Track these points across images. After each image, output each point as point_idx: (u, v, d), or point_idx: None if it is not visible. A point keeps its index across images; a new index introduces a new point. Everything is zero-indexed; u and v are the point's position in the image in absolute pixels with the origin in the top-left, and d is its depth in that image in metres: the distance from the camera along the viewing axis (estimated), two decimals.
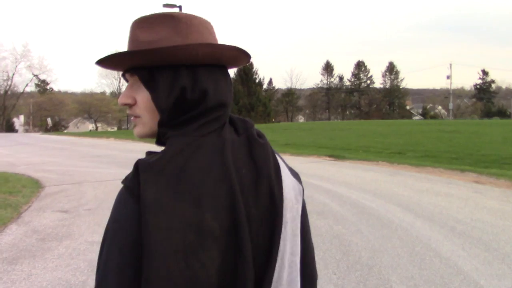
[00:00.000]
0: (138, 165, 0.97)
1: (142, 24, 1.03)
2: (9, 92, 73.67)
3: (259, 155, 1.04)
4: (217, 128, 1.03)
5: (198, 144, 0.99)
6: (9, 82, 72.38)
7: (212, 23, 1.09)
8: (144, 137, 1.09)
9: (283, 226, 1.03)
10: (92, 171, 13.09)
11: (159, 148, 1.04)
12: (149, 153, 1.02)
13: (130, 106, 1.06)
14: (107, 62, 1.03)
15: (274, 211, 1.02)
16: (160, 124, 1.04)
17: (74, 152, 20.85)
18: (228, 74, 1.09)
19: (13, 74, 72.40)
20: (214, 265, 0.94)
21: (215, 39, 1.07)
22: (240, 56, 1.07)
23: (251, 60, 1.13)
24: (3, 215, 7.32)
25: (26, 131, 74.08)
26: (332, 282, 4.47)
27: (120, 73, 1.10)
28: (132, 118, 1.09)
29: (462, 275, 4.68)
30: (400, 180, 10.88)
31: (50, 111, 72.54)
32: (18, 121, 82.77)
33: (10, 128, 75.18)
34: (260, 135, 1.09)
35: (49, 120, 70.93)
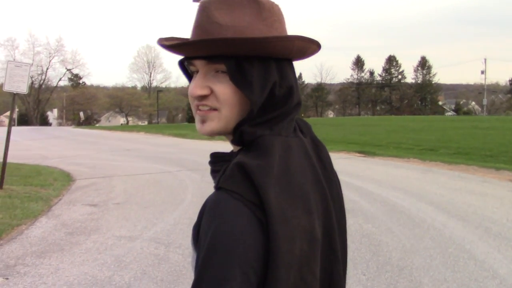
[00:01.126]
0: (246, 167, 0.86)
1: (221, 5, 0.92)
2: (43, 86, 75.24)
3: (326, 157, 1.03)
4: (294, 128, 0.99)
5: (289, 145, 0.93)
6: (43, 76, 73.98)
7: None
8: (215, 134, 0.97)
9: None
10: (122, 165, 13.21)
11: (224, 148, 0.95)
12: (226, 154, 0.96)
13: (204, 97, 0.94)
14: (186, 47, 0.91)
15: (342, 215, 1.02)
16: (244, 121, 0.93)
17: (105, 145, 21.12)
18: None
19: (47, 69, 73.94)
20: (319, 274, 0.91)
21: (286, 28, 1.00)
22: (315, 50, 1.01)
23: None
24: (34, 208, 7.42)
25: (60, 124, 75.67)
26: (361, 283, 4.35)
27: (178, 60, 0.98)
28: (199, 112, 0.96)
29: (498, 278, 4.49)
30: (432, 178, 10.61)
31: (82, 105, 73.90)
32: (52, 115, 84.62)
33: (44, 122, 76.87)
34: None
35: (81, 114, 72.32)
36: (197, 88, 0.93)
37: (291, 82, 0.95)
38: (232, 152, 0.98)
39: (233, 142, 0.97)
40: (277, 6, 0.97)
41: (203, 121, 0.96)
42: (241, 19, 0.91)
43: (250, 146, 0.91)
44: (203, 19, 0.93)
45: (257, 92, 0.91)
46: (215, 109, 0.94)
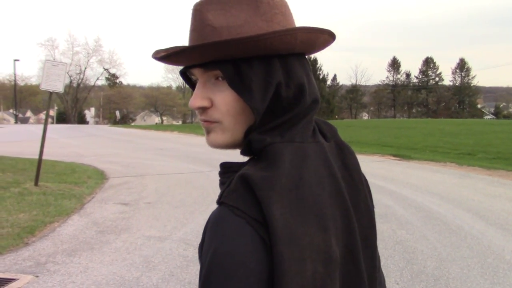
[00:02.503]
0: (249, 180, 0.77)
1: (215, 6, 0.84)
2: (81, 85, 76.81)
3: (353, 164, 0.90)
4: (313, 131, 0.88)
5: (304, 153, 0.83)
6: (81, 76, 75.46)
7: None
8: (222, 147, 0.88)
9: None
10: (155, 164, 13.30)
11: (239, 159, 0.86)
12: (235, 164, 0.85)
13: (205, 109, 0.87)
14: (176, 57, 0.84)
15: (372, 229, 0.90)
16: (252, 128, 0.84)
17: (139, 144, 21.36)
18: (308, 62, 0.90)
19: (85, 68, 75.41)
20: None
21: (294, 20, 0.89)
22: (328, 40, 0.89)
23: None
24: (67, 205, 7.50)
25: (96, 123, 77.24)
26: None
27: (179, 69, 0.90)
28: (204, 123, 0.89)
29: None
30: (470, 184, 10.27)
31: (118, 104, 75.15)
32: (89, 113, 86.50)
33: (82, 120, 78.55)
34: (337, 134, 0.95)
35: (117, 113, 73.49)
36: (196, 99, 0.86)
37: (301, 79, 0.84)
38: (243, 162, 0.87)
39: (242, 152, 0.87)
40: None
41: (208, 132, 0.89)
42: (237, 18, 0.82)
43: (260, 156, 0.82)
44: (197, 23, 0.85)
45: (258, 96, 0.81)
46: (217, 121, 0.86)
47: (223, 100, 0.84)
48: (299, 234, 0.75)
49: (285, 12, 0.87)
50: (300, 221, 0.76)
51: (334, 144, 0.90)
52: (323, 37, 0.87)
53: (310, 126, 0.87)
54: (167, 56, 0.85)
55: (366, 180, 0.95)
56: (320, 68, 67.79)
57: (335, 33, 0.88)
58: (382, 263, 4.69)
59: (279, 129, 0.84)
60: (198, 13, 0.84)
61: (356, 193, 0.88)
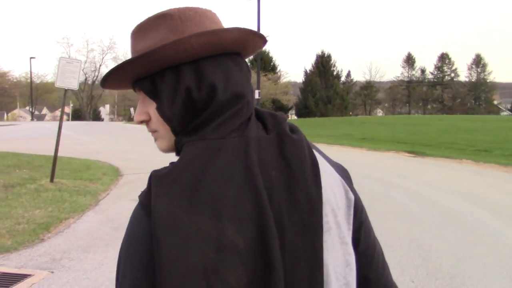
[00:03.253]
0: (150, 178, 0.86)
1: (137, 34, 0.94)
2: (96, 82, 77.39)
3: (292, 153, 0.90)
4: (239, 125, 0.90)
5: (217, 148, 0.87)
6: (96, 73, 75.97)
7: (213, 11, 0.97)
8: (166, 152, 1.00)
9: (327, 233, 0.89)
10: (169, 160, 13.27)
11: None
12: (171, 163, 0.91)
13: (146, 122, 0.98)
14: (107, 83, 0.97)
15: (313, 217, 0.88)
16: (175, 133, 0.94)
17: (153, 141, 21.44)
18: (243, 62, 0.96)
19: (100, 65, 75.97)
20: (241, 283, 0.81)
21: (219, 27, 0.94)
22: (248, 39, 0.93)
23: (267, 42, 1.00)
24: (82, 202, 7.56)
25: (111, 120, 77.84)
26: None
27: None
28: (151, 134, 1.00)
29: None
30: (486, 181, 10.15)
31: (133, 101, 75.59)
32: (104, 110, 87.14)
33: (97, 117, 79.24)
34: (293, 130, 0.95)
35: (132, 110, 73.96)
36: (137, 115, 0.97)
37: (212, 80, 0.89)
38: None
39: (176, 154, 0.97)
40: (193, 10, 0.93)
41: (155, 141, 1.01)
42: (153, 39, 0.91)
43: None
44: (130, 50, 0.96)
45: (166, 104, 0.90)
46: (155, 131, 0.98)
47: (153, 112, 0.94)
48: (185, 222, 0.79)
49: (201, 21, 0.92)
50: (189, 211, 0.80)
51: (274, 135, 0.91)
52: (233, 36, 0.90)
53: (235, 121, 0.90)
54: (102, 83, 0.97)
55: (332, 167, 0.98)
56: (334, 64, 67.34)
57: (238, 29, 0.90)
58: (396, 261, 4.66)
59: (195, 129, 0.90)
60: (130, 41, 0.96)
61: (291, 181, 0.88)
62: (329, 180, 0.94)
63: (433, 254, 5.16)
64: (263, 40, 0.96)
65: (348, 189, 0.97)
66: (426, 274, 4.58)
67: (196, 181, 0.82)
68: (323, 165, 0.95)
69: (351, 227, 0.96)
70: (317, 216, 0.88)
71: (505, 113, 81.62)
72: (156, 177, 0.85)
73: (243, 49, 0.95)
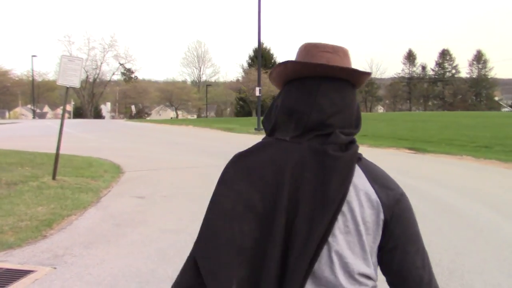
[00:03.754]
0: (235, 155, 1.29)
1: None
2: (97, 80, 77.38)
3: (330, 165, 1.18)
4: (293, 133, 1.24)
5: (273, 144, 1.25)
6: (97, 71, 75.97)
7: (344, 48, 1.30)
8: None
9: (348, 234, 1.15)
10: (170, 158, 13.39)
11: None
12: None
13: None
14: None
15: (322, 213, 1.13)
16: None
17: (155, 138, 21.51)
18: (313, 85, 1.26)
19: (101, 63, 75.90)
20: (251, 235, 1.16)
21: (316, 57, 1.26)
22: (331, 70, 1.24)
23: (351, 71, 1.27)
24: (84, 199, 7.60)
25: (112, 117, 77.83)
26: None
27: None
28: None
29: None
30: (486, 177, 10.18)
31: (134, 99, 75.63)
32: (105, 108, 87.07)
33: (98, 115, 79.23)
34: (347, 149, 1.21)
35: (133, 107, 74.02)
36: None
37: (282, 103, 1.29)
38: None
39: None
40: (313, 44, 1.29)
41: None
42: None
43: None
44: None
45: (265, 115, 1.35)
46: None
47: None
48: (232, 182, 1.22)
49: (308, 52, 1.28)
50: (237, 177, 1.23)
51: (324, 148, 1.20)
52: (316, 70, 1.24)
53: (288, 133, 1.25)
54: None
55: (374, 189, 1.20)
56: None
57: (323, 65, 1.24)
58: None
59: (271, 132, 1.30)
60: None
61: (318, 184, 1.16)
62: (362, 197, 1.18)
63: (432, 249, 5.19)
64: (343, 71, 1.24)
65: (382, 211, 1.18)
66: None
67: (250, 161, 1.24)
68: (360, 184, 1.19)
69: (377, 242, 1.19)
70: (324, 215, 1.13)
71: (506, 109, 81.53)
72: (237, 153, 1.29)
73: (306, 75, 1.27)
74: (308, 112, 1.23)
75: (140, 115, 75.93)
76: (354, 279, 1.16)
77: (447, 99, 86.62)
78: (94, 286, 4.12)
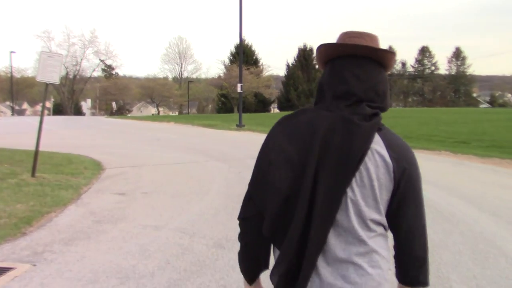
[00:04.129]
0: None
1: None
2: (77, 77, 76.40)
3: (354, 131, 1.48)
4: (329, 104, 1.58)
5: (314, 112, 1.58)
6: (77, 67, 74.97)
7: (371, 34, 1.61)
8: None
9: (362, 187, 1.48)
10: (151, 154, 13.34)
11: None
12: None
13: None
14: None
15: (343, 169, 1.46)
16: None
17: (136, 135, 21.39)
18: (368, 62, 1.58)
19: (81, 60, 74.94)
20: (286, 180, 1.50)
21: (360, 43, 1.57)
22: (350, 49, 1.58)
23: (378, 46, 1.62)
24: (64, 196, 7.55)
25: (93, 114, 77.03)
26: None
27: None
28: None
29: None
30: (463, 171, 10.37)
31: (115, 95, 74.88)
32: (86, 105, 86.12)
33: (78, 111, 78.33)
34: (371, 118, 1.53)
35: (114, 104, 73.39)
36: None
37: (321, 80, 1.65)
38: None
39: None
40: (340, 34, 1.64)
41: None
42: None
43: None
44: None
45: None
46: None
47: None
48: (276, 138, 1.57)
49: (340, 38, 1.62)
50: (280, 134, 1.57)
51: (352, 117, 1.51)
52: (337, 50, 1.59)
53: (324, 105, 1.59)
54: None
55: (385, 153, 1.52)
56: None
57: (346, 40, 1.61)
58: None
59: (315, 103, 1.65)
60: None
61: (344, 145, 1.48)
62: (378, 159, 1.50)
63: None
64: (333, 46, 1.62)
65: (391, 170, 1.50)
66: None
67: (292, 122, 1.58)
68: (378, 148, 1.51)
69: (389, 194, 1.53)
70: (347, 171, 1.46)
71: (484, 105, 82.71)
72: (282, 117, 1.62)
73: (336, 55, 1.62)
74: (335, 84, 1.57)
75: (121, 111, 75.26)
76: (366, 224, 1.49)
77: (427, 95, 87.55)
78: (74, 282, 4.11)
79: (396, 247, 1.62)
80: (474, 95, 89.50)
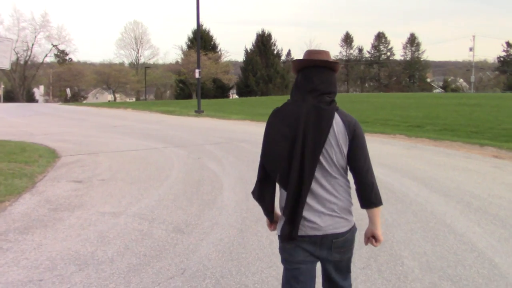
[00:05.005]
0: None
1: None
2: (29, 63, 74.06)
3: (322, 114, 2.34)
4: (303, 97, 2.40)
5: (292, 103, 2.41)
6: (28, 53, 72.71)
7: (326, 51, 2.50)
8: None
9: (329, 147, 2.35)
10: (108, 142, 13.14)
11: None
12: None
13: None
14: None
15: (320, 137, 2.32)
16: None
17: (92, 122, 20.97)
18: (324, 70, 2.45)
19: (33, 45, 72.66)
20: (285, 149, 2.32)
21: (318, 57, 2.44)
22: (313, 62, 2.44)
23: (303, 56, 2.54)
24: (18, 184, 7.37)
25: (46, 101, 74.80)
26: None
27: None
28: None
29: (477, 252, 4.57)
30: (416, 154, 10.70)
31: (69, 82, 72.88)
32: (38, 91, 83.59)
33: (31, 98, 75.95)
34: (330, 104, 2.40)
35: (68, 91, 71.42)
36: None
37: (296, 82, 2.48)
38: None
39: None
40: (305, 52, 2.50)
41: None
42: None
43: None
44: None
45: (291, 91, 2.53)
46: None
47: None
48: (274, 123, 2.40)
49: (306, 54, 2.47)
50: (276, 120, 2.39)
51: (319, 104, 2.36)
52: (304, 63, 2.45)
53: (298, 97, 2.41)
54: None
55: (341, 125, 2.39)
56: (274, 43, 67.64)
57: (313, 58, 2.46)
58: None
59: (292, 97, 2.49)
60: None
61: (316, 122, 2.32)
62: (338, 128, 2.35)
63: (365, 223, 5.44)
64: (303, 61, 2.46)
65: (346, 133, 2.36)
66: (357, 241, 4.82)
67: (281, 112, 2.40)
68: (337, 120, 2.36)
69: (347, 147, 2.37)
70: (321, 137, 2.31)
71: (437, 90, 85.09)
72: (274, 109, 2.44)
73: (305, 66, 2.47)
74: (306, 84, 2.41)
75: (76, 98, 73.41)
76: (334, 165, 2.37)
77: (383, 80, 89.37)
78: (32, 270, 4.06)
79: (355, 179, 2.45)
80: (428, 80, 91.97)
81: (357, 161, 2.39)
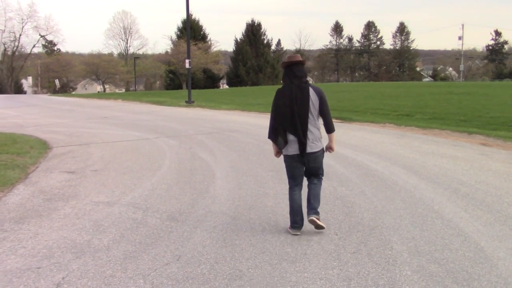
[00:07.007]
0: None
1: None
2: (16, 53, 73.36)
3: (303, 90, 4.77)
4: (291, 81, 4.81)
5: (288, 85, 4.83)
6: (16, 43, 72.02)
7: (299, 55, 5.16)
8: None
9: (309, 105, 4.76)
10: (99, 132, 13.16)
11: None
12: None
13: None
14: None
15: (305, 105, 4.74)
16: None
17: (82, 113, 20.93)
18: (299, 65, 4.89)
19: (20, 35, 71.92)
20: (287, 112, 4.77)
21: (296, 58, 4.93)
22: (294, 61, 4.90)
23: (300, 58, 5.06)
24: (11, 175, 7.40)
25: (35, 92, 74.17)
26: (333, 243, 4.52)
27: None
28: None
29: (463, 236, 4.71)
30: (406, 142, 10.85)
31: (58, 73, 72.28)
32: (27, 83, 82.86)
33: (19, 90, 75.27)
34: (307, 83, 4.87)
35: (57, 82, 70.86)
36: None
37: (284, 73, 4.93)
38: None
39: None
40: (287, 56, 5.34)
41: None
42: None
43: None
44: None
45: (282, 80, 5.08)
46: None
47: None
48: (278, 98, 4.90)
49: (288, 57, 5.00)
50: (279, 96, 4.89)
51: (301, 84, 4.80)
52: (288, 62, 4.94)
53: (291, 80, 4.82)
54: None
55: (314, 93, 4.84)
56: (264, 33, 67.51)
57: (294, 60, 4.97)
58: (322, 217, 5.02)
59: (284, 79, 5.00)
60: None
61: (301, 96, 4.75)
62: (312, 97, 4.77)
63: (355, 210, 5.59)
64: (290, 60, 4.93)
65: (317, 98, 4.80)
66: (348, 227, 4.98)
67: (281, 90, 4.88)
68: (312, 92, 4.79)
69: (318, 109, 4.81)
70: (306, 106, 4.73)
71: (426, 79, 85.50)
72: (278, 89, 4.97)
73: (288, 64, 4.92)
74: (291, 74, 4.79)
75: (65, 89, 72.87)
76: (315, 118, 4.78)
77: (373, 70, 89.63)
78: (29, 258, 4.13)
79: (323, 121, 4.89)
80: (418, 69, 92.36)
81: (324, 111, 4.83)
